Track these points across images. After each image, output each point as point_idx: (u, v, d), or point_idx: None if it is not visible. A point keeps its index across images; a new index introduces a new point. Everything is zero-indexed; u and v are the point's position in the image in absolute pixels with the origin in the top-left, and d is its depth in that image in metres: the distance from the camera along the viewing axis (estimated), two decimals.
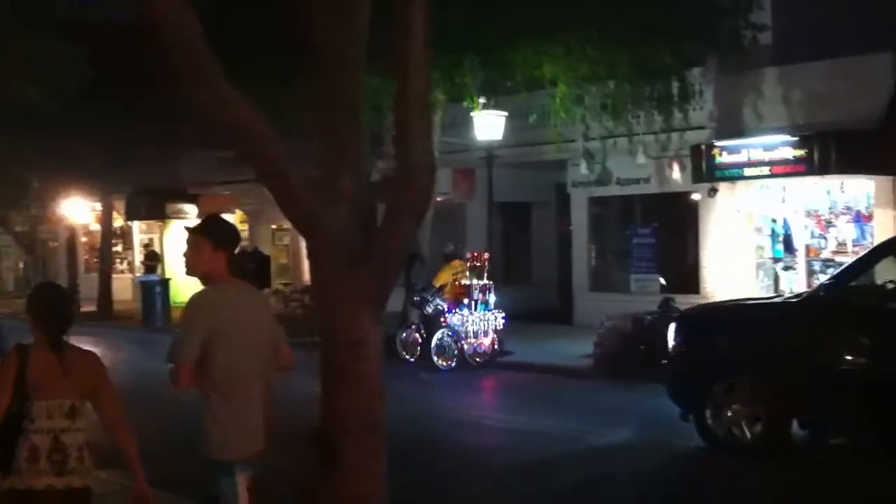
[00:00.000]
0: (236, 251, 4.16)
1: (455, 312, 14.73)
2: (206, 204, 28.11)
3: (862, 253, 11.28)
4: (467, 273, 15.18)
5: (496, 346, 15.00)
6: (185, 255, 4.04)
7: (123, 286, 28.50)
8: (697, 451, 8.63)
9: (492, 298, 15.10)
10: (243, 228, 28.79)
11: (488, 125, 16.06)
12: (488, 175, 16.72)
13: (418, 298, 15.40)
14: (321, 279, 4.52)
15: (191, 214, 28.44)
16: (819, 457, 8.44)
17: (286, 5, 4.81)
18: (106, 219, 26.63)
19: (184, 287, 27.54)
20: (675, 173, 17.59)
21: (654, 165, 17.86)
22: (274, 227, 27.39)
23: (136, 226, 30.85)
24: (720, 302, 12.08)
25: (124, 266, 31.10)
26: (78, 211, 27.01)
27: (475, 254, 15.56)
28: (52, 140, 14.21)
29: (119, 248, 30.73)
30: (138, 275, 28.25)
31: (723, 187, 16.74)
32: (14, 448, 3.93)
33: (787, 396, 8.14)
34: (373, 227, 4.57)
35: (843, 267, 9.25)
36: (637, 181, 18.33)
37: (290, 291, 21.47)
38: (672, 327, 9.39)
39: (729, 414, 8.42)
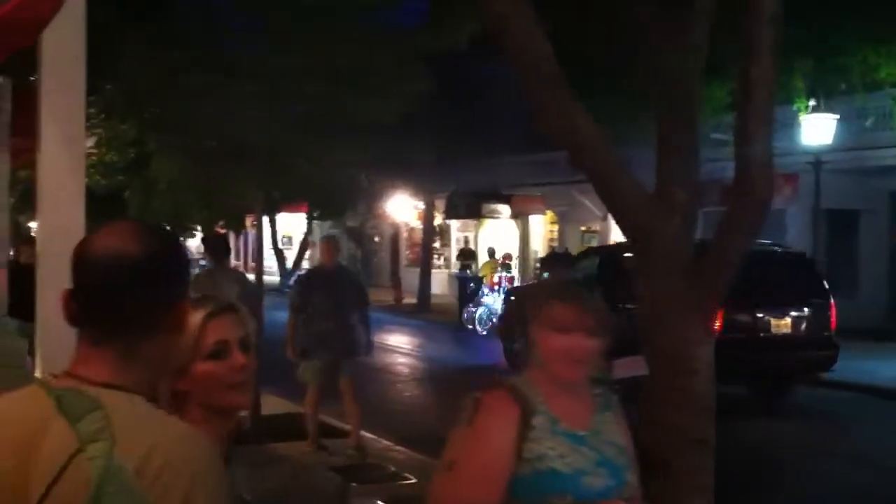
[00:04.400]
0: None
1: (489, 294, 21.06)
2: (517, 204, 28.97)
3: None
4: (499, 268, 22.71)
5: None
6: None
7: (440, 280, 30.14)
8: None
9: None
10: (552, 229, 29.36)
11: (817, 128, 15.18)
12: (815, 180, 15.80)
13: (473, 285, 22.98)
14: (651, 292, 4.54)
15: (503, 214, 29.44)
16: None
17: (623, 16, 4.87)
18: (427, 217, 28.25)
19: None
20: None
21: None
22: (583, 228, 27.64)
23: (454, 224, 32.46)
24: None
25: (441, 262, 32.84)
26: (402, 209, 28.89)
27: (504, 255, 24.26)
28: (388, 144, 15.42)
29: (437, 244, 32.48)
30: (454, 270, 29.71)
31: None
32: None
33: None
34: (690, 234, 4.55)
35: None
36: None
37: None
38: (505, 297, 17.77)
39: (517, 346, 12.82)
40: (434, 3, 6.12)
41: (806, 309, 12.32)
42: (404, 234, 33.96)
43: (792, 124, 15.81)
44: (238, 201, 8.54)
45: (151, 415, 1.57)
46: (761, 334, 11.96)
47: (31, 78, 3.50)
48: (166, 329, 1.64)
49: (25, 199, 12.92)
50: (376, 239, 36.01)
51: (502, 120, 23.55)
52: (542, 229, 29.93)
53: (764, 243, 12.11)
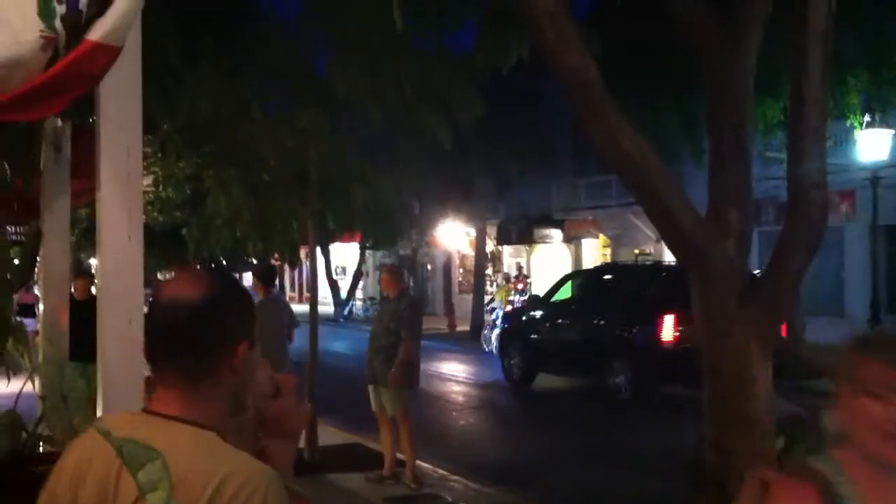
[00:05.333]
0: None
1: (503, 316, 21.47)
2: (570, 228, 28.83)
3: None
4: (513, 291, 24.33)
5: None
6: None
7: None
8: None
9: None
10: (605, 253, 29.15)
11: (873, 144, 14.92)
12: (872, 196, 15.51)
13: (490, 307, 24.08)
14: (707, 315, 4.49)
15: (555, 239, 29.30)
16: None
17: (677, 36, 4.86)
18: (480, 244, 28.25)
19: None
20: None
21: None
22: (636, 251, 27.40)
23: (506, 249, 32.39)
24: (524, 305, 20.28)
25: (493, 288, 32.76)
26: (454, 236, 28.93)
27: (517, 279, 25.63)
28: (442, 171, 15.63)
29: (489, 270, 32.43)
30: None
31: None
32: None
33: (526, 355, 16.29)
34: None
35: (550, 287, 17.61)
36: None
37: None
38: (502, 315, 20.49)
39: (513, 363, 16.51)
40: (481, 26, 6.18)
41: None
42: (456, 262, 33.98)
43: (847, 140, 15.56)
44: (293, 234, 8.62)
45: (221, 448, 1.64)
46: None
47: (91, 119, 3.60)
48: (229, 369, 1.69)
49: (87, 237, 13.20)
50: (429, 267, 36.10)
51: (554, 144, 23.56)
52: (595, 253, 29.73)
53: None
